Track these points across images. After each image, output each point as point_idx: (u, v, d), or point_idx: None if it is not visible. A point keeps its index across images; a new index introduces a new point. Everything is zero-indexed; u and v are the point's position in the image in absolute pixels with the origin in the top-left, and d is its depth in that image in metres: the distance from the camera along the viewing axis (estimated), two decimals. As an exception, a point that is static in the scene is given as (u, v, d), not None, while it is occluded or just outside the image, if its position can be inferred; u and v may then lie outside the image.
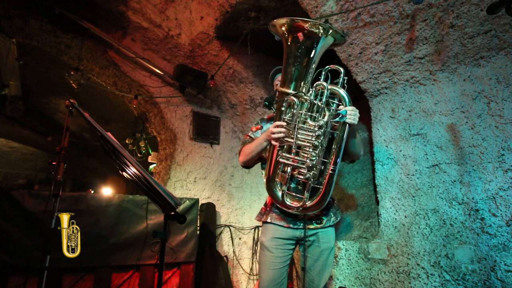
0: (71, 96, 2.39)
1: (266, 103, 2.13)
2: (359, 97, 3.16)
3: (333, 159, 1.65)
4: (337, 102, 1.66)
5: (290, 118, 1.68)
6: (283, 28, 1.69)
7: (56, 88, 5.24)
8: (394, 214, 2.66)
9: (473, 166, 2.26)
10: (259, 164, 2.10)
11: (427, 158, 2.50)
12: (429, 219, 2.43)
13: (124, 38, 3.74)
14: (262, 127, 2.09)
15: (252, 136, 2.08)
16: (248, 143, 2.03)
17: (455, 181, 2.34)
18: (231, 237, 4.14)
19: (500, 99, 2.19)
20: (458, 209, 2.30)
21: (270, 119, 2.11)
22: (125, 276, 2.95)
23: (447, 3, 2.16)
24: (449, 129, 2.42)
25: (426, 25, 2.31)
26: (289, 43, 1.70)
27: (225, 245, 4.08)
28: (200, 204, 3.76)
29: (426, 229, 2.44)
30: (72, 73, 3.63)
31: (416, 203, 2.52)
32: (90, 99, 5.35)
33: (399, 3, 2.28)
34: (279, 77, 2.10)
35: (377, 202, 2.90)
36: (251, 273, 4.11)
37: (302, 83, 1.69)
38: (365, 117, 3.25)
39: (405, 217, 2.58)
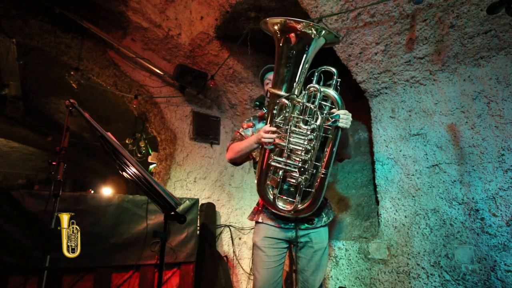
0: (71, 96, 2.38)
1: (257, 103, 2.13)
2: (359, 97, 3.16)
3: (325, 163, 1.64)
4: (329, 105, 1.64)
5: (282, 121, 1.66)
6: (276, 28, 1.65)
7: (56, 88, 5.24)
8: (394, 214, 2.66)
9: (473, 166, 2.26)
10: None
11: (427, 158, 2.50)
12: (429, 219, 2.43)
13: (124, 38, 3.74)
14: (254, 125, 2.06)
15: (242, 133, 2.04)
16: (237, 140, 2.01)
17: (455, 181, 2.34)
18: (231, 237, 4.14)
19: (500, 99, 2.19)
20: (458, 209, 2.30)
21: (262, 118, 2.09)
22: (125, 276, 2.94)
23: (447, 3, 2.16)
24: (449, 129, 2.42)
25: (426, 25, 2.31)
26: (281, 44, 1.66)
27: (225, 245, 4.08)
28: (200, 204, 3.76)
29: (426, 229, 2.44)
30: (72, 73, 3.63)
31: (416, 203, 2.52)
32: (90, 99, 5.35)
33: (399, 3, 2.28)
34: (269, 76, 2.08)
35: (377, 202, 2.90)
36: (251, 273, 4.11)
37: (294, 84, 1.66)
38: (365, 117, 3.25)
39: (405, 217, 2.58)
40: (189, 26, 3.48)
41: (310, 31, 1.60)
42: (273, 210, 1.83)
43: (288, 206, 1.72)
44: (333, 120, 1.59)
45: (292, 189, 1.78)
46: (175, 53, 3.84)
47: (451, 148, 2.39)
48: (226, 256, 3.95)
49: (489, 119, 2.23)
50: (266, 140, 1.66)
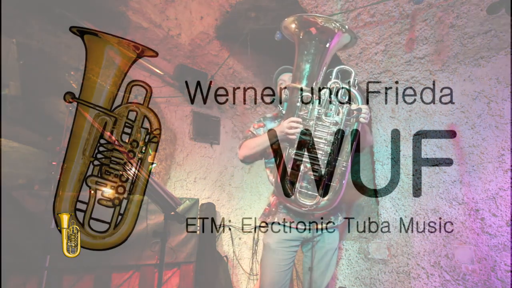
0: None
1: (274, 100, 2.14)
2: (359, 97, 3.16)
3: (345, 156, 1.66)
4: (348, 101, 1.68)
5: (306, 114, 1.67)
6: (294, 25, 1.72)
7: (56, 88, 5.23)
8: (394, 214, 2.66)
9: (473, 166, 2.26)
10: (260, 164, 2.09)
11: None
12: (429, 219, 2.43)
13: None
14: (264, 125, 2.04)
15: (254, 132, 2.02)
16: (250, 138, 1.98)
17: (455, 181, 2.34)
18: (231, 237, 4.14)
19: (500, 99, 2.19)
20: (458, 209, 2.30)
21: (276, 117, 2.07)
22: (125, 276, 2.94)
23: (447, 3, 2.16)
24: (449, 129, 2.42)
25: (426, 25, 2.31)
26: (302, 39, 1.71)
27: (225, 245, 4.08)
28: (200, 204, 3.76)
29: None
30: (72, 73, 3.63)
31: (416, 203, 2.52)
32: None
33: (399, 3, 2.28)
34: (282, 76, 2.08)
35: (377, 202, 2.90)
36: (251, 273, 4.11)
37: (313, 82, 1.70)
38: (365, 117, 3.25)
39: (405, 217, 2.58)
40: (189, 26, 3.48)
41: (332, 26, 1.65)
42: (293, 207, 1.77)
43: (310, 201, 1.68)
44: (354, 114, 1.63)
45: (310, 186, 1.76)
46: (175, 53, 3.84)
47: (451, 148, 2.39)
48: (226, 256, 3.95)
49: (489, 119, 2.23)
50: (293, 131, 1.66)
